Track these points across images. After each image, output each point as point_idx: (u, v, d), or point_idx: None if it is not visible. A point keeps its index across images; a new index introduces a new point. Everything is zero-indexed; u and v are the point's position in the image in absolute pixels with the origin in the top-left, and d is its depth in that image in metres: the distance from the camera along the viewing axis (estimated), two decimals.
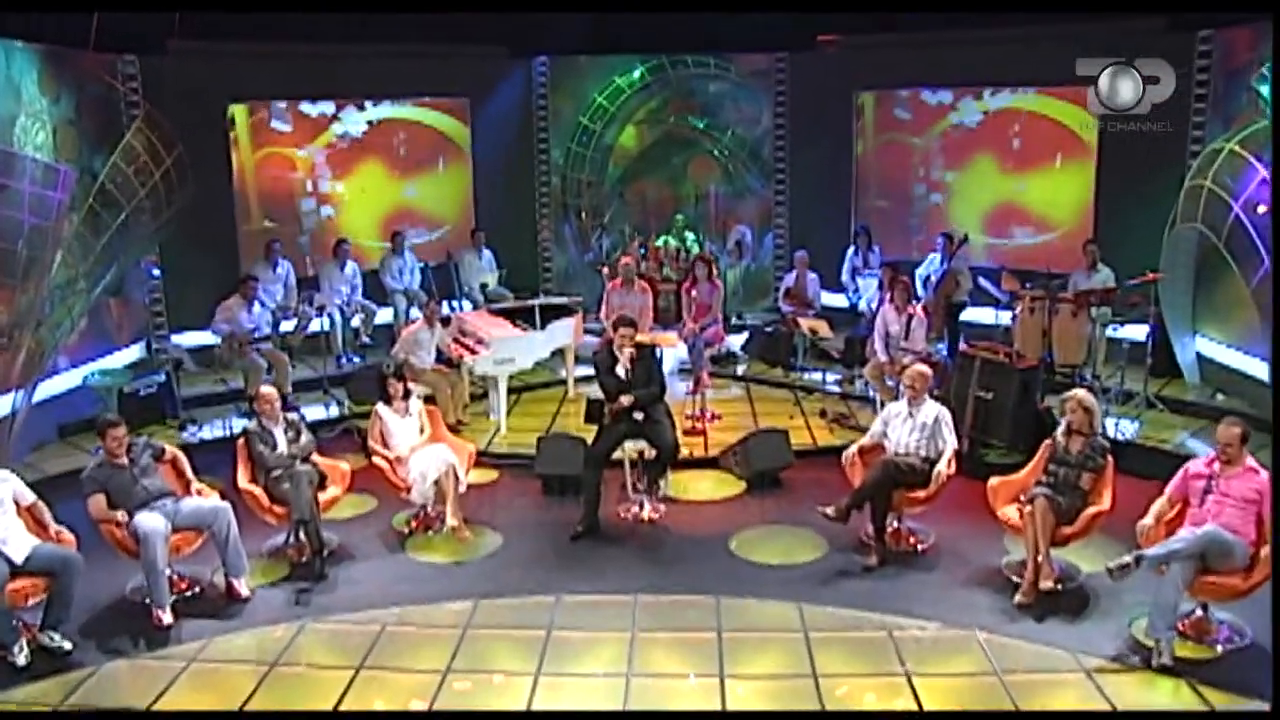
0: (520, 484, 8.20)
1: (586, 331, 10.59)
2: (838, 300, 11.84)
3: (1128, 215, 10.36)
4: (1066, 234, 11.12)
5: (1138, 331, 9.69)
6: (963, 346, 9.05)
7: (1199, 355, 9.85)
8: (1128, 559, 5.49)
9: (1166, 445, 8.58)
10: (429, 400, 8.76)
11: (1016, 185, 11.55)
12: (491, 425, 9.39)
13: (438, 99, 12.27)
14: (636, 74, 12.90)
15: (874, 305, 10.67)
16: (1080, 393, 6.33)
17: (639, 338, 7.46)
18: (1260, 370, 8.99)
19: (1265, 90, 7.92)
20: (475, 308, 11.48)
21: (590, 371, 10.69)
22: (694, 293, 9.80)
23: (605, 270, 11.43)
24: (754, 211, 13.26)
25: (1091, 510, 6.07)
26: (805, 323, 10.47)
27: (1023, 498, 6.39)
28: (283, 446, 6.85)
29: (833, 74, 12.21)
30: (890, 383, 9.46)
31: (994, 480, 6.53)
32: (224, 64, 10.75)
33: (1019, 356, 8.62)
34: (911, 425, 6.90)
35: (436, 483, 7.03)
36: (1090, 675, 5.31)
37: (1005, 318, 10.23)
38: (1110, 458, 6.27)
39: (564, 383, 10.46)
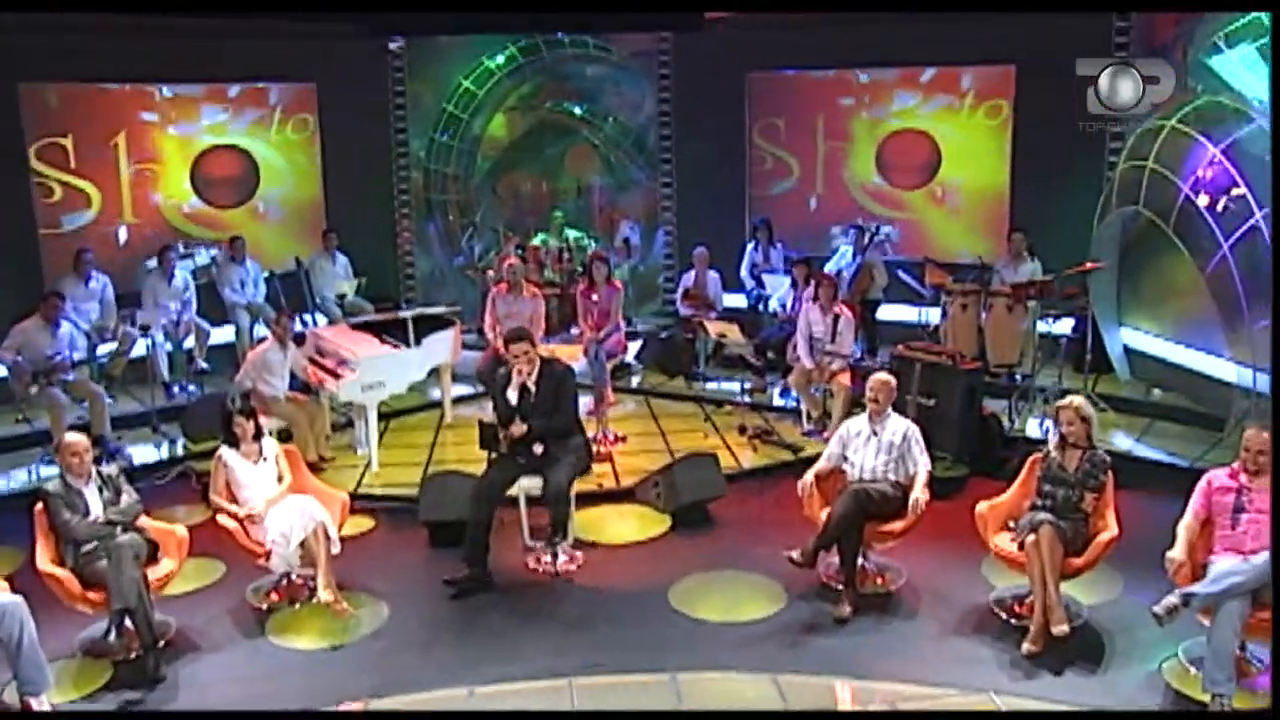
0: (401, 534, 6.81)
1: (464, 346, 9.22)
2: (739, 301, 10.81)
3: (1045, 203, 9.74)
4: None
5: (1064, 326, 9.06)
6: (898, 348, 8.14)
7: (1126, 348, 9.30)
8: (1174, 600, 4.61)
9: (1106, 446, 7.92)
10: (284, 436, 7.29)
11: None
12: (359, 461, 7.94)
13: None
14: (505, 56, 11.57)
15: (787, 305, 9.75)
16: (1077, 400, 5.44)
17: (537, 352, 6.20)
18: (1197, 362, 8.45)
19: (1215, 62, 7.32)
20: (330, 321, 9.96)
21: (470, 391, 9.59)
22: (594, 296, 8.59)
23: (490, 273, 10.07)
24: (639, 205, 12.14)
25: (1105, 536, 5.18)
26: (712, 326, 9.42)
27: (1013, 524, 5.49)
28: (97, 511, 5.29)
29: (722, 55, 11.19)
30: (816, 392, 8.53)
31: (982, 506, 5.57)
32: (14, 38, 8.85)
33: (962, 358, 7.78)
34: (877, 445, 5.89)
35: (303, 544, 5.58)
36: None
37: (929, 314, 9.45)
38: (1112, 473, 5.41)
39: (439, 406, 9.10)
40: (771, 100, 11.36)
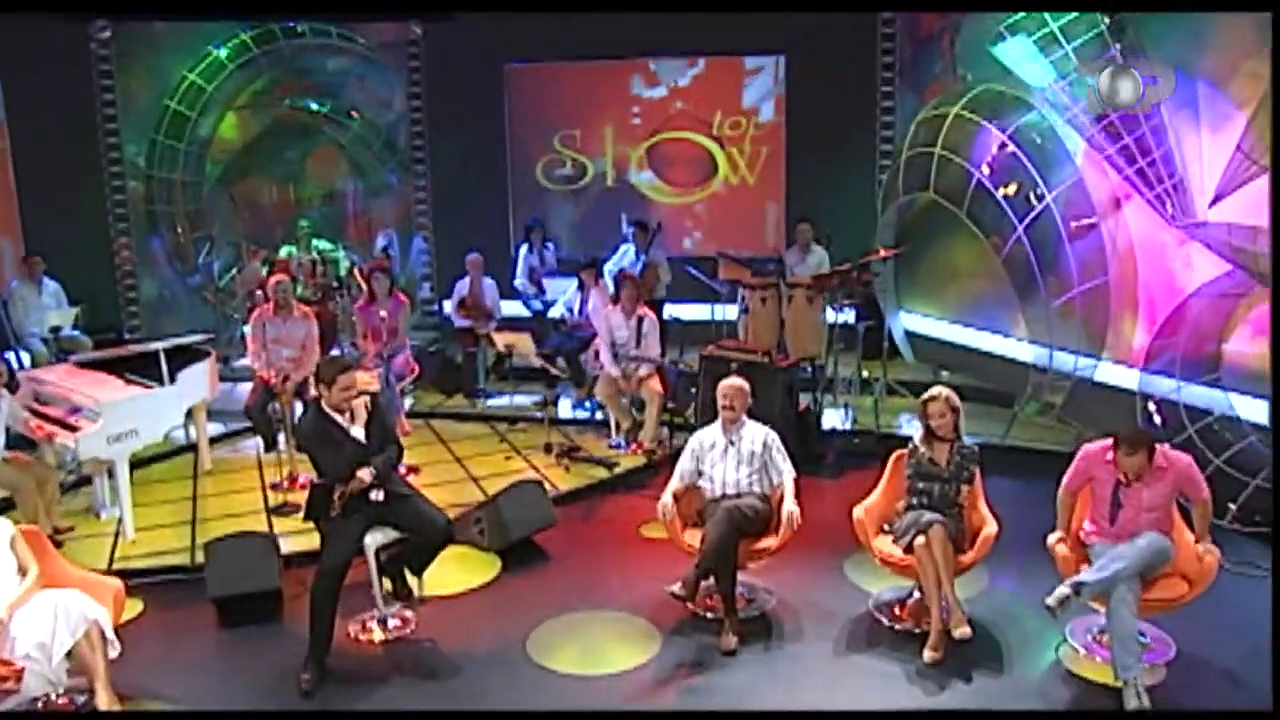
0: (181, 615, 5.58)
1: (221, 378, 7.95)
2: (516, 308, 10.10)
3: (821, 192, 9.81)
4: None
5: (849, 315, 9.10)
6: (709, 348, 7.80)
7: (906, 332, 9.52)
8: (1065, 590, 4.50)
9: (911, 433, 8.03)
10: (4, 506, 5.86)
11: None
12: (106, 528, 6.58)
13: None
14: (234, 45, 10.16)
15: (574, 309, 9.19)
16: (945, 391, 5.23)
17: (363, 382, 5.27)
18: (981, 341, 8.75)
19: (998, 50, 7.49)
20: (35, 361, 8.33)
21: (222, 429, 8.28)
22: (381, 313, 7.61)
23: (258, 293, 8.74)
24: (395, 211, 11.12)
25: (989, 531, 5.01)
26: (500, 337, 8.66)
27: (888, 527, 5.24)
28: None
29: (477, 46, 10.44)
30: (624, 401, 8.04)
31: (860, 512, 5.26)
32: None
33: (780, 354, 7.55)
34: (736, 457, 5.44)
35: (69, 654, 4.36)
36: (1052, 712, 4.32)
37: (721, 311, 9.19)
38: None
39: (192, 449, 7.81)
40: (531, 94, 10.76)
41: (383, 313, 7.59)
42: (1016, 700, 4.49)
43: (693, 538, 5.32)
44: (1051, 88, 7.11)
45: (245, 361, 9.33)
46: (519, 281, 10.08)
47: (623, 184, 10.86)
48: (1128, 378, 7.14)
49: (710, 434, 5.56)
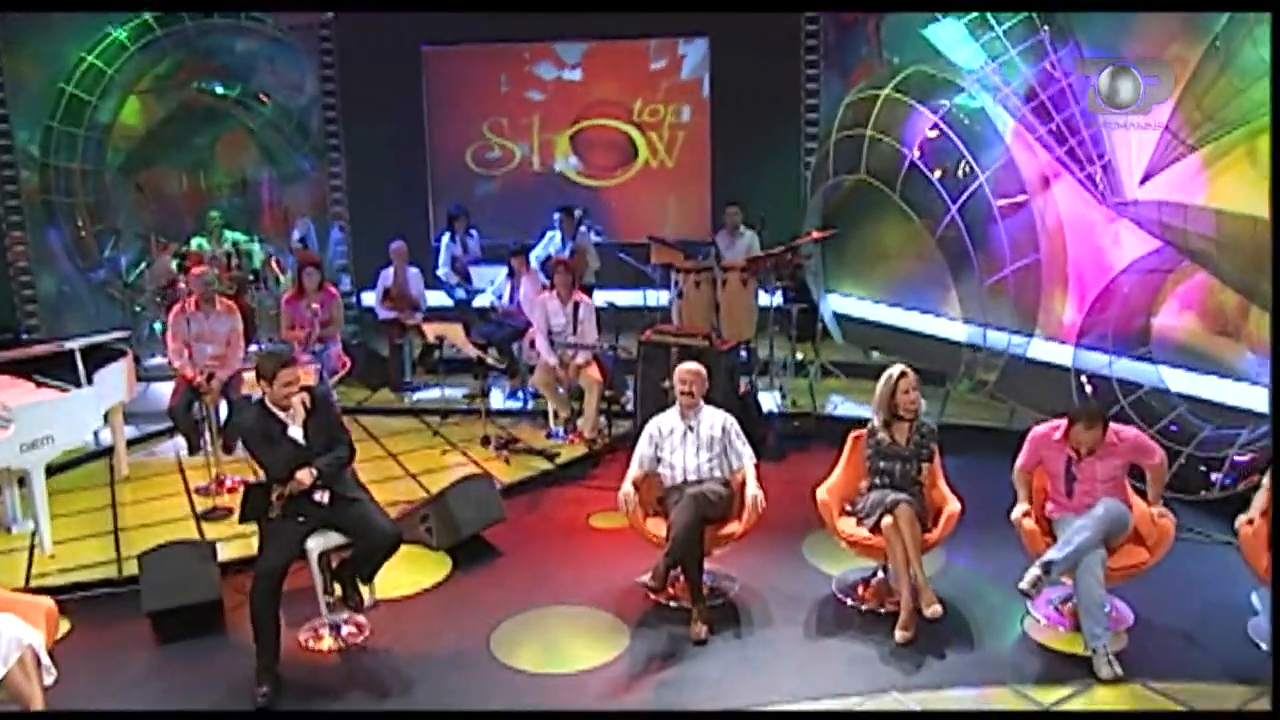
0: (113, 632, 5.24)
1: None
2: (441, 298, 9.82)
3: (747, 175, 9.78)
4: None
5: (779, 297, 9.12)
6: (646, 333, 7.70)
7: (835, 314, 9.58)
8: (1036, 571, 4.55)
9: (848, 413, 8.09)
10: None
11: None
12: (19, 542, 6.16)
13: None
14: (134, 25, 9.56)
15: (504, 297, 8.98)
16: (907, 370, 5.26)
17: (303, 377, 5.01)
18: (910, 321, 8.86)
19: (930, 32, 7.55)
20: None
21: (135, 432, 7.85)
22: (314, 305, 7.29)
23: (180, 287, 8.28)
24: (309, 199, 10.69)
25: (952, 509, 5.05)
26: (430, 329, 8.41)
27: (850, 508, 5.25)
28: None
29: (392, 28, 10.08)
30: (562, 390, 7.89)
31: (823, 494, 5.24)
32: None
33: (719, 338, 7.50)
34: (695, 442, 5.37)
35: (1, 683, 4.03)
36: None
37: (651, 295, 9.10)
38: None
39: (105, 455, 7.40)
40: (450, 78, 10.48)
41: (314, 305, 7.28)
42: (988, 674, 4.52)
43: (655, 527, 5.25)
44: (983, 70, 7.20)
45: (158, 360, 8.94)
46: (442, 271, 9.79)
47: (548, 169, 10.67)
48: (1060, 354, 7.30)
49: (668, 420, 5.48)
